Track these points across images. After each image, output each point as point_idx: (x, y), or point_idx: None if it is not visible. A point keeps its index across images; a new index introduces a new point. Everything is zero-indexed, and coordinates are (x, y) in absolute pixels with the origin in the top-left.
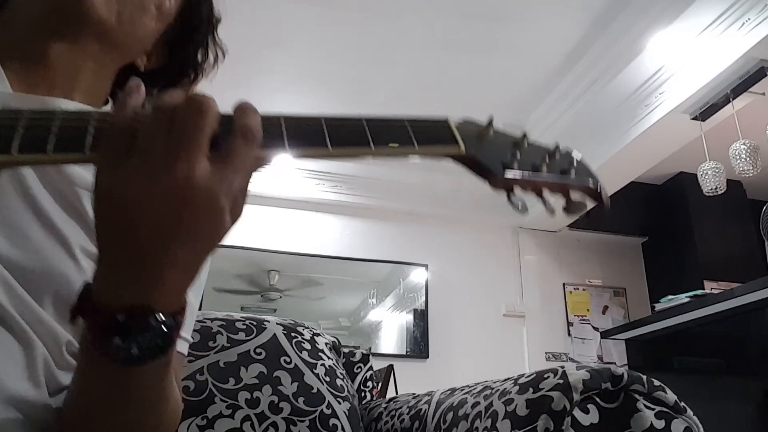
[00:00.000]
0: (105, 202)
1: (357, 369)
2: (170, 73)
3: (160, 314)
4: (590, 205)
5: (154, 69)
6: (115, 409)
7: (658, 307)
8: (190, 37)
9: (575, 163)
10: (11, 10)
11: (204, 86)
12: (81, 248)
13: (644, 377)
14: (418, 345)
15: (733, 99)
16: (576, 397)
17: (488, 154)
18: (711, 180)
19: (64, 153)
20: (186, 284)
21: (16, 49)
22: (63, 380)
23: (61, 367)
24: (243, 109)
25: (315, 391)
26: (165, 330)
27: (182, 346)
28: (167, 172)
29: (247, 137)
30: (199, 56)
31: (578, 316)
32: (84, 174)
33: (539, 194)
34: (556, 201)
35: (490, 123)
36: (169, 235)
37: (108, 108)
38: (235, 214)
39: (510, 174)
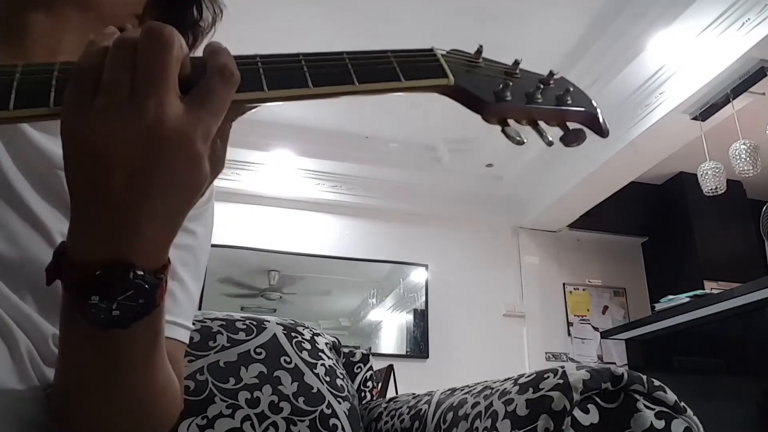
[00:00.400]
0: (72, 147)
1: (357, 369)
2: None
3: (140, 270)
4: (588, 132)
5: None
6: (102, 384)
7: (658, 307)
8: None
9: (570, 90)
10: None
11: None
12: (62, 236)
13: (644, 377)
14: (418, 345)
15: (733, 99)
16: (576, 397)
17: (479, 85)
18: (711, 180)
19: (27, 108)
20: (166, 239)
21: None
22: (51, 376)
23: (49, 362)
24: (216, 49)
25: (315, 391)
26: (146, 287)
27: (183, 334)
28: (135, 111)
29: (224, 76)
30: (195, 14)
31: (578, 316)
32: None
33: (535, 125)
34: (554, 131)
35: (479, 51)
36: (143, 182)
37: None
38: (216, 165)
39: (503, 104)
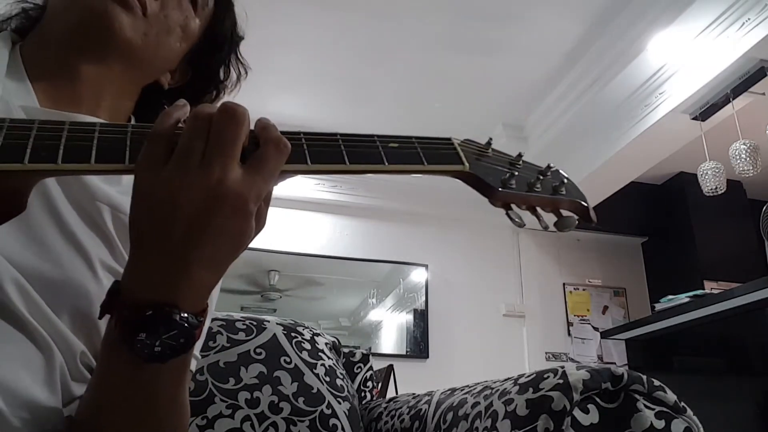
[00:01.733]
0: (142, 199)
1: (357, 369)
2: (192, 90)
3: (185, 313)
4: (578, 220)
5: (176, 86)
6: (131, 411)
7: (658, 307)
8: (213, 55)
9: (565, 182)
10: (43, 29)
11: None
12: (101, 262)
13: (644, 377)
14: (418, 345)
15: (733, 99)
16: (576, 397)
17: (488, 173)
18: (711, 180)
19: (105, 163)
20: (211, 284)
21: (44, 67)
22: (75, 391)
23: (75, 378)
24: (267, 125)
25: (315, 391)
26: (188, 327)
27: (193, 364)
28: (203, 174)
29: (279, 148)
30: (222, 74)
31: (578, 316)
32: (104, 188)
33: (533, 210)
34: (549, 216)
35: (489, 143)
36: (200, 234)
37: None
38: (259, 223)
39: (509, 192)
